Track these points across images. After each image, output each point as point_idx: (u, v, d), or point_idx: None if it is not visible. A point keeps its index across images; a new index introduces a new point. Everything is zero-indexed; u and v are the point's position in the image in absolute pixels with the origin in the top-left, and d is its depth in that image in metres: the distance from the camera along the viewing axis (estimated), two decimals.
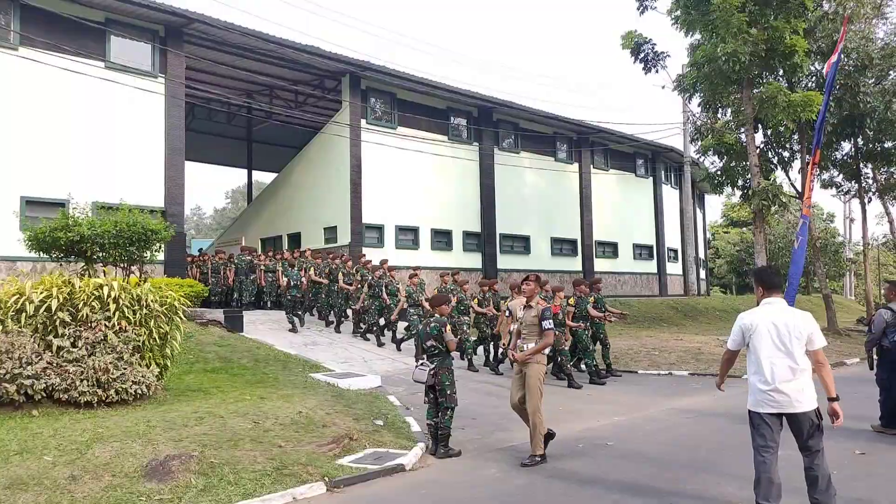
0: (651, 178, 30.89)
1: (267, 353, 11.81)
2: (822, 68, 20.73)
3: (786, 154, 22.89)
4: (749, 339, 4.74)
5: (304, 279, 14.89)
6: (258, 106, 24.08)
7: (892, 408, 7.65)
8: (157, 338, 8.25)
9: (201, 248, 24.25)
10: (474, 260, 22.64)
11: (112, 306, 7.90)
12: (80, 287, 7.93)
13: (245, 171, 29.90)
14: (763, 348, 4.63)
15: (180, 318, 8.78)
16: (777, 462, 4.74)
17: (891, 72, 21.94)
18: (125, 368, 7.57)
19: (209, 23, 16.21)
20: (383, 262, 14.98)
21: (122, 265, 9.62)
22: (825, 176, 25.99)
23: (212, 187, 78.41)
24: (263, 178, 36.93)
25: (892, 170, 25.97)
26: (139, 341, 7.96)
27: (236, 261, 17.09)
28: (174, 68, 16.31)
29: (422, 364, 7.03)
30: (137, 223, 9.03)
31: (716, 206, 68.73)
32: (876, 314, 8.12)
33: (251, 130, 27.73)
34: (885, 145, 23.84)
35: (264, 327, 14.15)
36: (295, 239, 21.71)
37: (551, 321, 6.74)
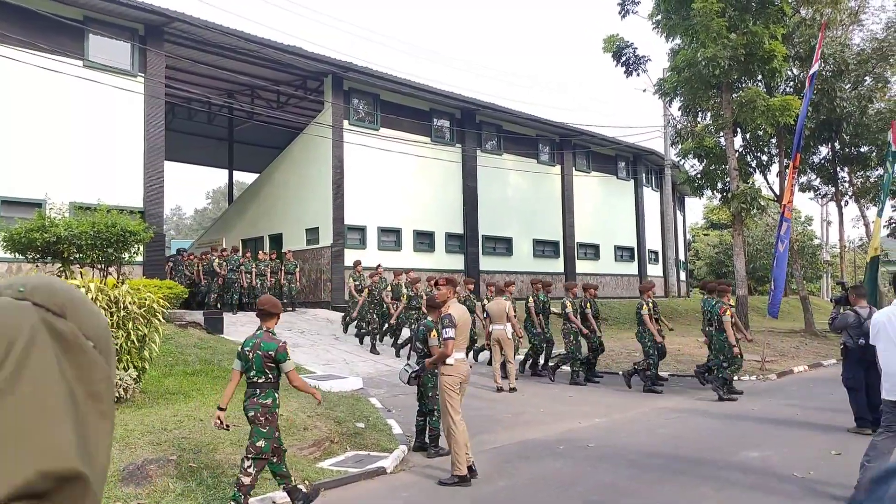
0: (632, 181, 31.12)
1: None
2: (800, 73, 21.08)
3: (764, 158, 23.22)
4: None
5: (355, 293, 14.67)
6: (240, 106, 23.90)
7: (860, 408, 7.79)
8: (134, 340, 8.15)
9: (180, 249, 23.96)
10: (457, 261, 22.66)
11: None
12: None
13: (226, 172, 29.66)
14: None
15: (159, 321, 8.68)
16: None
17: (866, 77, 22.35)
18: None
19: (190, 22, 16.06)
20: (398, 271, 14.95)
21: (99, 266, 9.50)
22: (803, 179, 26.37)
23: (192, 187, 77.80)
24: (245, 178, 36.68)
25: (867, 173, 26.46)
26: (116, 344, 7.87)
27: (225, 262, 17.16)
28: (154, 67, 16.14)
29: (407, 365, 7.06)
30: (116, 224, 8.93)
31: (696, 208, 69.44)
32: (841, 314, 8.28)
33: (232, 130, 27.51)
34: (861, 149, 24.28)
35: (245, 329, 14.04)
36: (276, 240, 21.57)
37: (451, 330, 6.23)
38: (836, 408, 8.89)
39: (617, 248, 29.74)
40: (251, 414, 5.15)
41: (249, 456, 5.06)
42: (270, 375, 5.17)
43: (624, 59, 19.23)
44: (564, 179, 26.96)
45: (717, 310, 10.79)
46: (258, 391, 5.17)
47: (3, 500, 0.60)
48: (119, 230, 8.95)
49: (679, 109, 20.50)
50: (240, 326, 14.03)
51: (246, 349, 5.23)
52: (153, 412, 7.38)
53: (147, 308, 8.42)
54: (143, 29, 16.04)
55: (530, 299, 12.50)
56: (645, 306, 11.32)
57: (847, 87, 21.88)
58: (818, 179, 26.94)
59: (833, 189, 26.29)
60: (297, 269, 18.12)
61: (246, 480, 5.03)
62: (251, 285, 16.95)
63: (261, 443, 5.07)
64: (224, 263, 16.75)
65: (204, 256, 18.11)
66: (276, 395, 5.23)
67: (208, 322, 13.15)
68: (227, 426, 5.35)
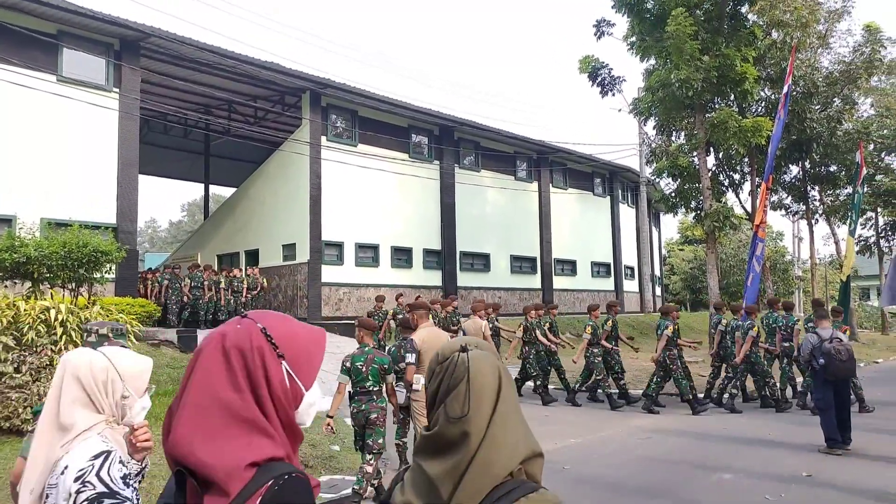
0: (609, 198, 31.45)
1: None
2: (772, 95, 21.56)
3: (736, 177, 23.65)
4: None
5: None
6: (216, 121, 23.76)
7: (830, 429, 7.91)
8: None
9: (150, 268, 23.62)
10: (434, 277, 22.66)
11: (59, 330, 7.66)
12: (25, 310, 7.67)
13: (202, 185, 29.41)
14: None
15: (131, 341, 8.55)
16: None
17: (835, 99, 22.94)
18: None
19: (166, 37, 15.96)
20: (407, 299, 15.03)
21: (69, 287, 9.33)
22: (774, 198, 26.86)
23: (167, 200, 76.90)
24: (222, 192, 36.39)
25: (837, 192, 27.07)
26: None
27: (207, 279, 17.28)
28: (129, 82, 15.99)
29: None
30: (88, 244, 8.79)
31: (671, 223, 70.41)
32: (803, 339, 8.47)
33: (209, 145, 27.31)
34: (831, 169, 24.87)
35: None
36: (253, 255, 21.41)
37: (411, 355, 6.59)
38: (808, 428, 9.02)
39: (594, 263, 29.97)
40: (373, 416, 6.16)
41: (373, 451, 6.07)
42: (380, 384, 6.26)
43: (599, 79, 19.49)
44: (542, 196, 27.16)
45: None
46: (375, 398, 6.22)
47: (524, 458, 1.26)
48: (91, 250, 8.81)
49: (654, 129, 20.83)
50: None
51: (358, 364, 6.23)
52: None
53: None
54: (118, 44, 15.90)
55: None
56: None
57: (817, 108, 22.44)
58: (789, 198, 27.51)
59: (804, 207, 26.85)
60: (250, 285, 18.33)
61: (369, 469, 6.03)
62: (215, 301, 17.15)
63: (380, 440, 6.16)
64: (188, 281, 16.81)
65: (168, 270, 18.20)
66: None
67: (182, 340, 12.96)
68: (334, 431, 6.36)
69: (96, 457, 1.90)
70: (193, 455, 1.13)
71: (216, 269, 19.02)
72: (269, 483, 1.13)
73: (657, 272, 36.32)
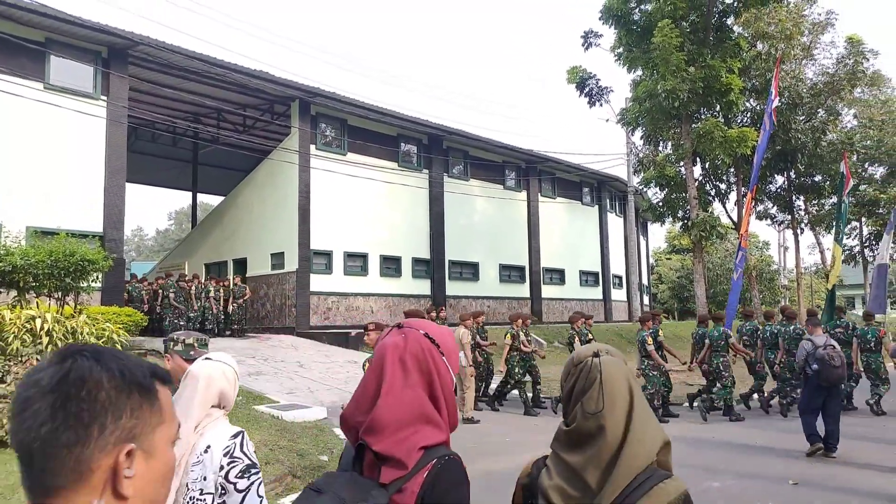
0: (597, 207, 31.61)
1: None
2: (757, 105, 21.81)
3: (723, 186, 23.87)
4: None
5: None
6: (205, 129, 23.70)
7: (809, 426, 8.11)
8: None
9: (134, 275, 23.45)
10: (423, 286, 22.66)
11: (45, 339, 7.60)
12: (10, 319, 7.61)
13: (190, 194, 29.29)
14: None
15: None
16: None
17: (819, 110, 23.24)
18: None
19: (155, 45, 15.94)
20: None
21: (55, 296, 9.26)
22: (760, 207, 27.10)
23: (155, 208, 76.44)
24: (210, 200, 36.26)
25: (822, 202, 27.37)
26: None
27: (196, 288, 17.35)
28: (117, 90, 15.94)
29: None
30: (75, 253, 8.74)
31: (659, 232, 70.84)
32: (799, 347, 8.65)
33: (197, 153, 27.22)
34: (816, 179, 25.15)
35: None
36: (241, 264, 21.32)
37: None
38: (794, 436, 9.08)
39: (582, 272, 30.07)
40: None
41: None
42: None
43: (587, 89, 19.66)
44: (530, 205, 27.26)
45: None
46: None
47: (658, 449, 1.49)
48: (77, 259, 8.76)
49: (641, 139, 21.00)
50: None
51: None
52: None
53: (106, 339, 8.25)
54: (106, 52, 15.86)
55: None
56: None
57: (801, 119, 22.73)
58: (775, 207, 27.77)
59: (789, 217, 27.12)
60: (236, 294, 18.31)
61: None
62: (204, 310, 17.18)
63: None
64: (161, 291, 16.90)
65: (157, 282, 18.09)
66: None
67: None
68: None
69: (235, 436, 2.35)
70: (384, 439, 1.47)
71: (201, 278, 18.97)
72: (434, 462, 1.47)
73: (645, 281, 36.48)
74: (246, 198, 21.64)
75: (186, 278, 17.55)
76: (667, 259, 50.48)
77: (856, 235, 30.40)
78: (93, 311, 9.98)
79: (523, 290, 26.53)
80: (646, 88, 17.55)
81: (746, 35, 20.27)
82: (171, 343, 3.28)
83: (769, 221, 29.33)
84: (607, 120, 22.64)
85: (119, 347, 8.38)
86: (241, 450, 2.32)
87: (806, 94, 22.62)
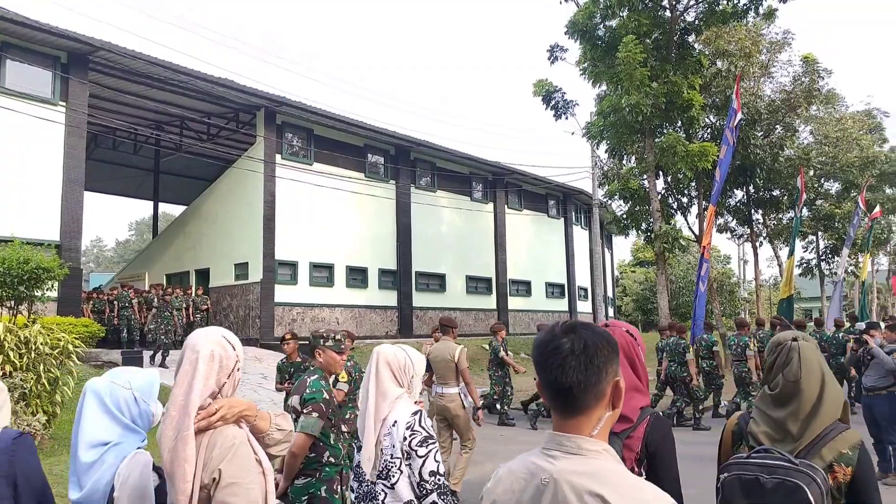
0: (562, 219, 31.92)
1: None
2: (717, 121, 22.33)
3: (685, 200, 24.30)
4: None
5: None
6: (167, 137, 23.30)
7: None
8: (45, 383, 7.69)
9: (98, 287, 22.89)
10: (390, 297, 22.54)
11: None
12: None
13: (151, 203, 28.71)
14: None
15: (73, 362, 8.24)
16: None
17: (777, 126, 23.88)
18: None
19: (116, 51, 15.64)
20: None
21: (8, 305, 8.96)
22: (720, 221, 27.65)
23: (115, 218, 74.78)
24: (171, 210, 35.59)
25: (780, 216, 28.08)
26: (25, 387, 7.40)
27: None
28: (76, 96, 15.58)
29: None
30: (30, 261, 8.46)
31: (624, 245, 71.92)
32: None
33: (159, 161, 26.72)
34: (774, 193, 25.78)
35: (165, 369, 13.47)
36: (203, 275, 20.94)
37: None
38: None
39: (548, 284, 30.29)
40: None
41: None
42: None
43: (553, 102, 19.84)
44: (497, 217, 27.40)
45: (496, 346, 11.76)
46: None
47: (842, 406, 2.18)
48: (32, 267, 8.48)
49: (606, 152, 21.26)
50: (158, 366, 13.45)
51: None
52: (62, 460, 6.94)
53: (61, 349, 7.99)
54: (65, 57, 15.51)
55: None
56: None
57: (759, 135, 23.31)
58: (734, 221, 28.38)
59: (748, 230, 27.73)
60: (184, 307, 17.95)
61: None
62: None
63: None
64: (116, 302, 16.60)
65: (112, 292, 17.74)
66: None
67: (126, 362, 12.55)
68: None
69: (414, 413, 2.79)
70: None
71: (161, 288, 18.54)
72: (649, 417, 2.12)
73: (610, 293, 36.89)
74: (209, 207, 21.29)
75: (168, 290, 17.02)
76: (631, 272, 51.16)
77: (812, 249, 31.23)
78: (48, 322, 9.67)
79: (490, 302, 26.60)
80: (610, 103, 17.80)
81: (707, 52, 20.75)
82: (322, 339, 3.91)
83: (729, 234, 29.96)
84: (573, 133, 22.93)
85: (75, 358, 8.14)
86: (420, 424, 2.77)
87: (764, 110, 23.22)
